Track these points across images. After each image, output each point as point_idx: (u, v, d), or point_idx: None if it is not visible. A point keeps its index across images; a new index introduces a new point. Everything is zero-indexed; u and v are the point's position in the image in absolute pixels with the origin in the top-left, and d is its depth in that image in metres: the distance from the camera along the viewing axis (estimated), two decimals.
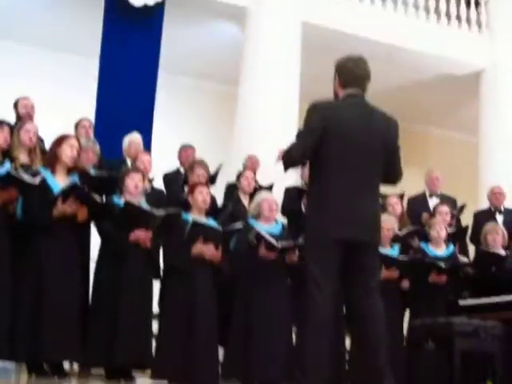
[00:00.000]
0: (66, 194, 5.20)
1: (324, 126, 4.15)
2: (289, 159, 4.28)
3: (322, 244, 4.10)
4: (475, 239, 7.83)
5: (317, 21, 10.10)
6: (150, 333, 5.87)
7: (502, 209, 8.60)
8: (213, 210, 6.47)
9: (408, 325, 6.52)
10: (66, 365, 5.91)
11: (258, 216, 6.33)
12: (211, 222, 6.11)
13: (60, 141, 5.45)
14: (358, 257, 4.17)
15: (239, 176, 7.33)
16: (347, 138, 4.16)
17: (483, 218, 8.17)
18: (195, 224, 5.87)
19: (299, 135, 4.34)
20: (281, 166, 4.35)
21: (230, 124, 9.80)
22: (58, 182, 5.34)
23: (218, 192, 7.46)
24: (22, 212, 5.25)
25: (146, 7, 9.18)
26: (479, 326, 5.37)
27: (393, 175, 4.40)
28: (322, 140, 4.15)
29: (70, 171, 5.46)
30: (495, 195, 8.67)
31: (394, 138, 4.34)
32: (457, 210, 8.12)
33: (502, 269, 6.56)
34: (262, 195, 6.51)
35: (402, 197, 7.56)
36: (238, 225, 6.35)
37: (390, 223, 6.65)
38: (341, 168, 4.15)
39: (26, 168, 5.50)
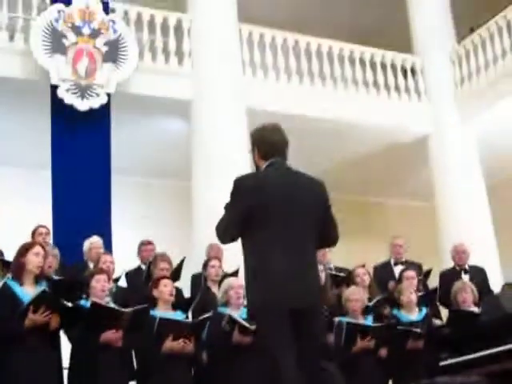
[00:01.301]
0: (37, 302, 5.10)
1: (249, 204, 4.05)
2: (218, 237, 4.26)
3: (269, 317, 3.96)
4: (444, 300, 7.78)
5: (261, 106, 10.25)
6: None
7: (467, 267, 8.55)
8: (180, 303, 6.41)
9: None
10: None
11: (226, 303, 6.29)
12: (179, 315, 6.04)
13: (25, 250, 5.36)
14: (305, 322, 4.07)
15: (205, 265, 7.28)
16: (276, 209, 4.06)
17: (449, 277, 8.13)
18: (162, 320, 5.79)
19: (223, 217, 4.20)
20: None
21: (188, 216, 9.79)
22: (28, 291, 5.23)
23: (183, 285, 7.39)
24: None
25: (91, 110, 9.27)
26: (463, 383, 5.31)
27: (329, 237, 4.30)
28: (250, 216, 4.05)
29: (37, 279, 5.37)
30: (459, 254, 8.63)
31: (323, 199, 4.24)
32: (423, 274, 8.15)
33: (477, 325, 6.53)
34: (228, 283, 6.46)
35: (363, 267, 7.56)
36: (208, 314, 6.23)
37: (357, 294, 6.64)
38: (273, 240, 4.03)
39: None
